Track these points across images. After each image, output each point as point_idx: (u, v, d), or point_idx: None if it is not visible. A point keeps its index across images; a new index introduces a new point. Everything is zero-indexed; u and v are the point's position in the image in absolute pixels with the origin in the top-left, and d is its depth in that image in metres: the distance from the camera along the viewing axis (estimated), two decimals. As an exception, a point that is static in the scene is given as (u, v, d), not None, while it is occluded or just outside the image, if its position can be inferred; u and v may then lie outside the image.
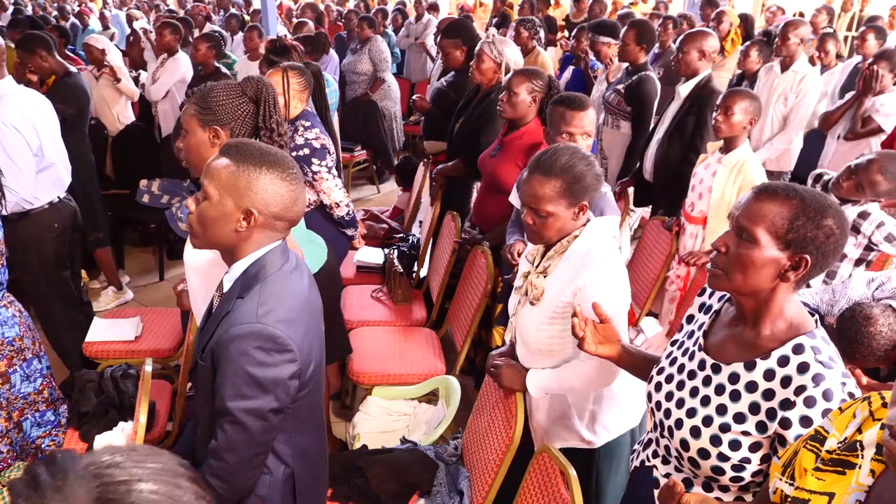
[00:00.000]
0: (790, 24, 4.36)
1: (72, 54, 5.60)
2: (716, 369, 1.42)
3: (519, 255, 2.55)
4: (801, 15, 9.34)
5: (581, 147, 2.44)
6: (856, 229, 2.69)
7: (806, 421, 1.27)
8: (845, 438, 1.07)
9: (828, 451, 1.08)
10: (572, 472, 1.67)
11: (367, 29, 6.23)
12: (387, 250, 3.79)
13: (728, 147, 2.94)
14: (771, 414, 1.32)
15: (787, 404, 1.29)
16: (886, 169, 2.62)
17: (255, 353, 1.37)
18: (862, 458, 1.03)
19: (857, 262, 2.77)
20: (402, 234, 4.18)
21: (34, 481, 0.69)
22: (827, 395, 1.27)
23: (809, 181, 3.04)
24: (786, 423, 1.29)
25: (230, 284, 1.48)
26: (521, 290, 1.99)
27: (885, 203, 3.30)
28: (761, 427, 1.33)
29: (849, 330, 2.20)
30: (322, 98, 3.26)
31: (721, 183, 2.93)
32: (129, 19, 6.92)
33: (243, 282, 1.45)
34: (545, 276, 1.89)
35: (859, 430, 1.06)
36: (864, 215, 2.69)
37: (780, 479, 1.16)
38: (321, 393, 1.66)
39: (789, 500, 1.11)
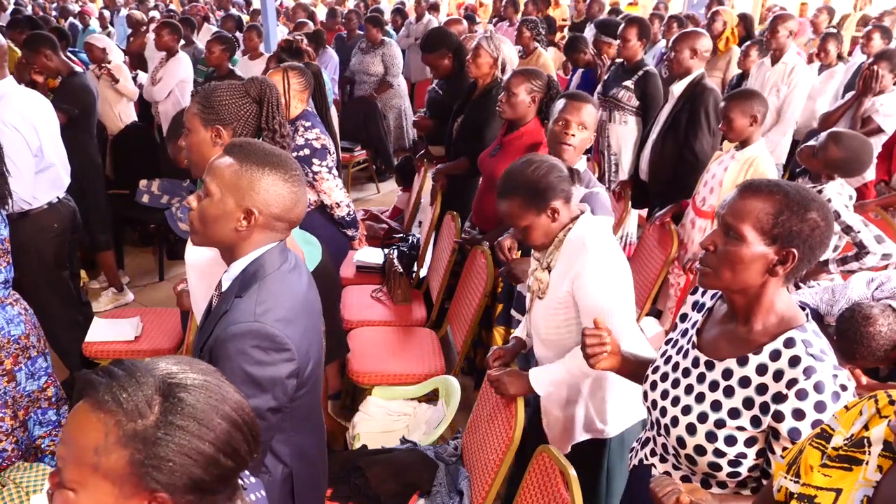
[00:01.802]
0: (779, 17, 4.45)
1: (72, 55, 5.60)
2: (709, 366, 1.43)
3: (509, 251, 2.62)
4: (804, 6, 9.36)
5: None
6: None
7: (798, 414, 1.28)
8: (852, 435, 1.07)
9: (834, 448, 1.08)
10: (572, 472, 1.67)
11: (374, 30, 6.21)
12: (387, 250, 3.79)
13: (742, 144, 3.00)
14: (764, 408, 1.33)
15: (779, 397, 1.30)
16: (840, 139, 2.75)
17: (253, 351, 1.37)
18: (869, 454, 1.03)
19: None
20: (402, 234, 4.18)
21: (109, 374, 0.87)
22: (818, 388, 1.28)
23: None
24: (778, 416, 1.30)
25: (229, 283, 1.48)
26: (530, 288, 2.05)
27: (880, 201, 3.31)
28: (755, 422, 1.34)
29: (848, 330, 2.20)
30: (322, 98, 3.26)
31: (732, 177, 2.97)
32: (130, 20, 6.90)
33: (242, 281, 1.44)
34: (549, 272, 1.95)
35: (866, 427, 1.06)
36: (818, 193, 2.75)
37: (785, 478, 1.16)
38: (320, 392, 1.66)
39: (795, 496, 1.11)
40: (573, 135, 2.44)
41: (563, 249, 1.92)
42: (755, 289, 1.35)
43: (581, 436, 2.05)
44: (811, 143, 2.83)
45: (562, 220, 1.91)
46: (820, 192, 2.74)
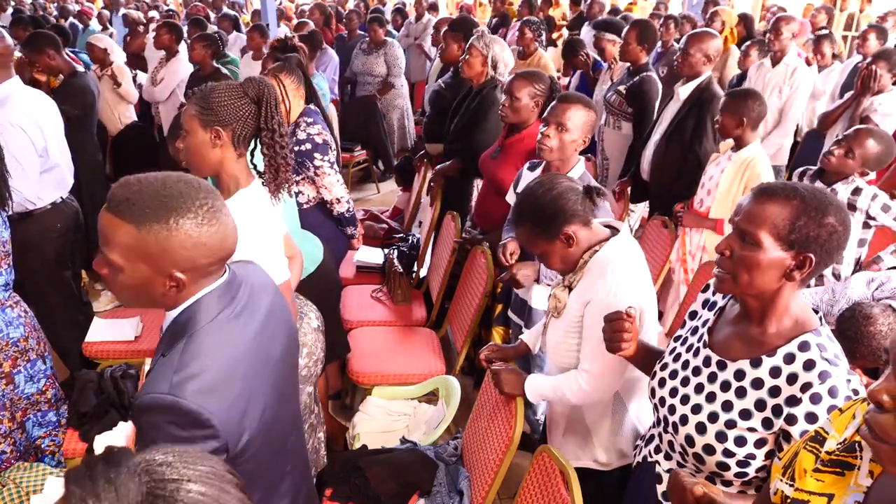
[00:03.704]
0: (782, 18, 4.44)
1: (72, 55, 5.60)
2: (721, 366, 1.42)
3: (511, 255, 2.57)
4: (809, 7, 9.39)
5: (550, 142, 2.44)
6: (852, 206, 2.76)
7: (811, 417, 1.28)
8: (844, 439, 1.07)
9: (827, 452, 1.08)
10: (572, 473, 1.67)
11: (379, 30, 6.23)
12: (387, 250, 3.79)
13: (739, 145, 3.00)
14: (777, 410, 1.32)
15: (793, 401, 1.30)
16: (875, 133, 2.78)
17: (169, 427, 1.17)
18: (861, 459, 1.03)
19: (860, 244, 2.81)
20: (402, 234, 4.19)
21: (90, 471, 0.73)
22: (833, 392, 1.28)
23: (795, 177, 3.08)
24: (791, 420, 1.30)
25: (164, 331, 1.30)
26: (549, 303, 1.98)
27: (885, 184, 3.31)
28: (767, 423, 1.34)
29: (849, 330, 2.21)
30: (309, 87, 3.19)
31: (728, 178, 2.98)
32: (126, 20, 6.90)
33: (171, 334, 1.25)
34: (570, 291, 1.87)
35: (858, 431, 1.06)
36: (857, 191, 2.77)
37: (781, 480, 1.16)
38: (283, 439, 1.47)
39: (789, 500, 1.11)
40: (549, 136, 2.44)
41: (586, 272, 1.83)
42: (771, 293, 1.35)
43: (580, 462, 1.98)
44: (834, 148, 2.81)
45: (581, 244, 1.80)
46: (859, 189, 2.76)
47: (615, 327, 1.62)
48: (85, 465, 0.74)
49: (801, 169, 3.13)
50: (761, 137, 4.20)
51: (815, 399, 1.28)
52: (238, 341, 1.28)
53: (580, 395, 1.85)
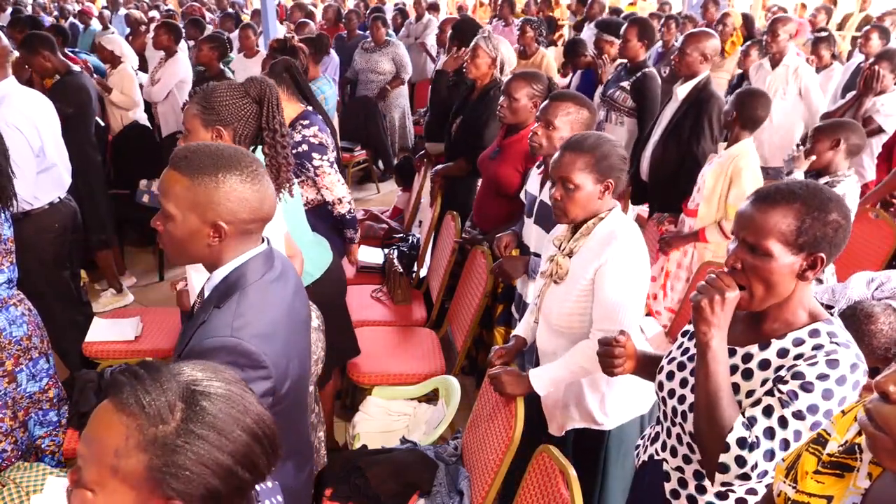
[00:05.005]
0: (779, 20, 4.45)
1: (70, 54, 5.60)
2: (731, 353, 1.42)
3: (505, 248, 2.67)
4: (804, 8, 9.37)
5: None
6: None
7: (798, 376, 1.28)
8: (846, 441, 1.07)
9: (828, 454, 1.08)
10: (572, 472, 1.67)
11: (382, 29, 6.27)
12: (387, 250, 3.78)
13: (731, 143, 3.01)
14: (777, 380, 1.33)
15: (791, 367, 1.31)
16: (852, 125, 2.89)
17: (229, 367, 1.28)
18: (861, 461, 1.03)
19: None
20: (402, 234, 4.18)
21: (135, 375, 0.88)
22: (831, 364, 1.28)
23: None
24: (780, 380, 1.31)
25: (210, 291, 1.42)
26: (546, 272, 2.05)
27: (874, 197, 3.34)
28: (769, 392, 1.33)
29: (849, 328, 2.19)
30: (304, 90, 3.14)
31: (714, 175, 3.00)
32: (129, 19, 6.91)
33: (222, 290, 1.38)
34: (570, 257, 1.96)
35: (860, 433, 1.06)
36: (832, 184, 2.82)
37: (784, 482, 1.16)
38: (303, 407, 1.59)
39: (790, 503, 1.11)
40: (537, 133, 2.48)
41: (591, 238, 1.93)
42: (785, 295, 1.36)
43: (578, 423, 2.07)
44: (811, 145, 2.87)
45: (602, 203, 1.93)
46: (832, 184, 2.78)
47: (607, 353, 1.64)
48: (126, 372, 0.88)
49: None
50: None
51: (811, 362, 1.29)
52: (280, 301, 1.44)
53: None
